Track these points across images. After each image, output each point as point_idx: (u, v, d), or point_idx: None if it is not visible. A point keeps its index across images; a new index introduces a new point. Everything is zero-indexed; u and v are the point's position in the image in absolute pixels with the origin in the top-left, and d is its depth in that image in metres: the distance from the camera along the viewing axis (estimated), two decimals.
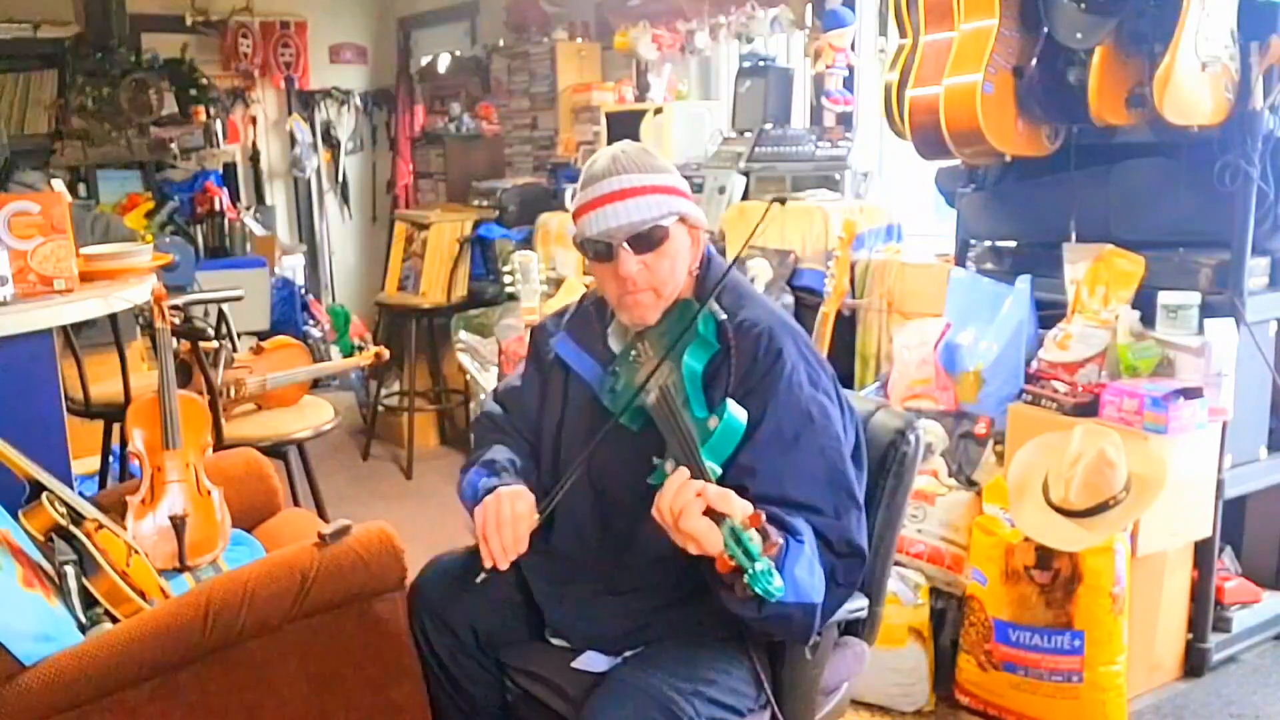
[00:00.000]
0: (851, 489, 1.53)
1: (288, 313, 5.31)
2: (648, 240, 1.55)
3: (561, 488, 1.52)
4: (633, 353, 1.61)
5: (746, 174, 3.75)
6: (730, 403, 1.45)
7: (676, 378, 1.50)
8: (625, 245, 1.55)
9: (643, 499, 1.53)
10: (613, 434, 1.53)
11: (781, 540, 1.32)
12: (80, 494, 1.89)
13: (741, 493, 1.37)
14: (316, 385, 3.74)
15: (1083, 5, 2.50)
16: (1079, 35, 2.51)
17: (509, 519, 1.51)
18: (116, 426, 2.90)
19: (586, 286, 3.62)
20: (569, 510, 1.60)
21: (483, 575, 1.55)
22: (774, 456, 1.47)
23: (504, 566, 1.51)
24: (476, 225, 4.83)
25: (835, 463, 1.52)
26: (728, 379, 1.54)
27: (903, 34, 3.03)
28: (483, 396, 4.09)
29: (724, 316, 1.56)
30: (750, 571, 1.24)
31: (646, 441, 1.52)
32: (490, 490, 1.58)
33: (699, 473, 1.38)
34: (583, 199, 1.59)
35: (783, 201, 1.76)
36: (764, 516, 1.29)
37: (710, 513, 1.31)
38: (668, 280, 1.59)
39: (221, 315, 3.44)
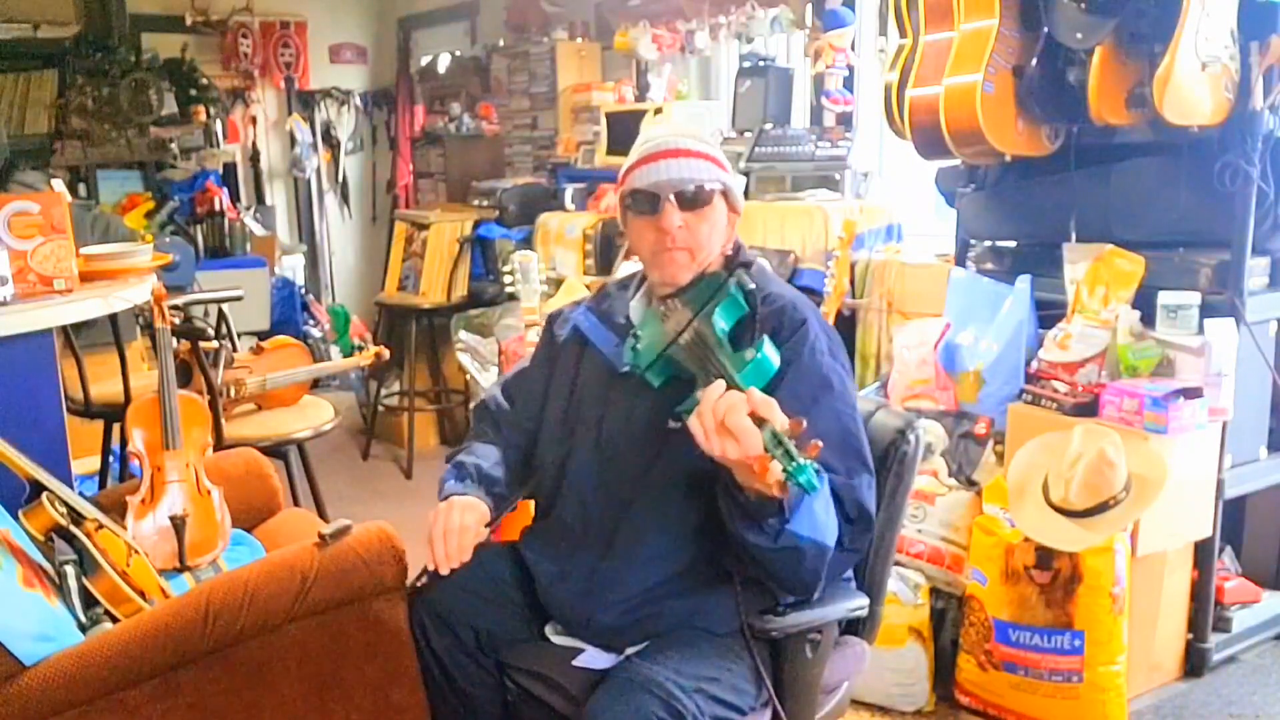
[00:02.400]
0: (864, 454, 1.58)
1: (288, 313, 5.31)
2: (693, 199, 1.64)
3: (510, 504, 1.74)
4: (661, 309, 1.64)
5: (746, 174, 3.75)
6: (766, 340, 1.47)
7: (709, 330, 1.53)
8: (671, 198, 1.63)
9: (648, 466, 1.61)
10: (625, 400, 1.61)
11: (820, 444, 1.32)
12: (80, 494, 1.88)
13: None
14: (316, 385, 3.73)
15: (1083, 5, 2.50)
16: (1079, 35, 2.51)
17: (455, 529, 1.66)
18: (116, 426, 2.90)
19: (588, 288, 3.64)
20: (574, 478, 1.66)
21: (422, 579, 1.68)
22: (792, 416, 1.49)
23: (444, 572, 1.65)
24: (476, 225, 4.83)
25: (849, 428, 1.57)
26: (753, 342, 1.56)
27: (903, 34, 3.03)
28: (482, 396, 4.08)
29: (752, 286, 1.61)
30: (794, 465, 1.28)
31: (658, 409, 1.56)
32: (449, 496, 1.71)
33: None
34: (637, 154, 1.69)
35: None
36: (804, 424, 1.31)
37: (753, 417, 1.33)
38: (704, 244, 1.66)
39: (221, 315, 3.43)
